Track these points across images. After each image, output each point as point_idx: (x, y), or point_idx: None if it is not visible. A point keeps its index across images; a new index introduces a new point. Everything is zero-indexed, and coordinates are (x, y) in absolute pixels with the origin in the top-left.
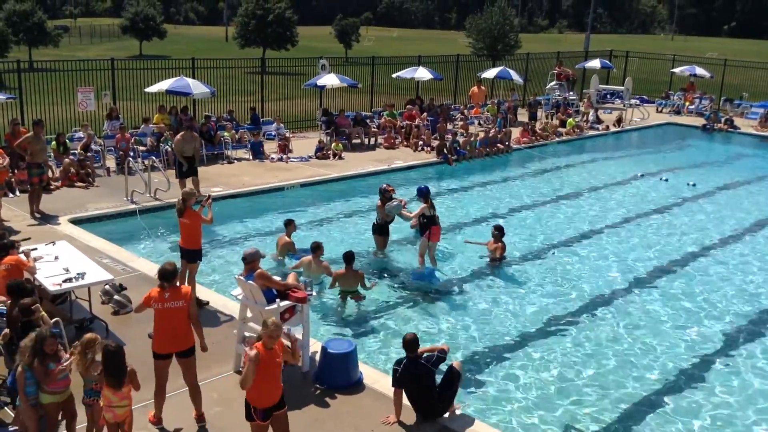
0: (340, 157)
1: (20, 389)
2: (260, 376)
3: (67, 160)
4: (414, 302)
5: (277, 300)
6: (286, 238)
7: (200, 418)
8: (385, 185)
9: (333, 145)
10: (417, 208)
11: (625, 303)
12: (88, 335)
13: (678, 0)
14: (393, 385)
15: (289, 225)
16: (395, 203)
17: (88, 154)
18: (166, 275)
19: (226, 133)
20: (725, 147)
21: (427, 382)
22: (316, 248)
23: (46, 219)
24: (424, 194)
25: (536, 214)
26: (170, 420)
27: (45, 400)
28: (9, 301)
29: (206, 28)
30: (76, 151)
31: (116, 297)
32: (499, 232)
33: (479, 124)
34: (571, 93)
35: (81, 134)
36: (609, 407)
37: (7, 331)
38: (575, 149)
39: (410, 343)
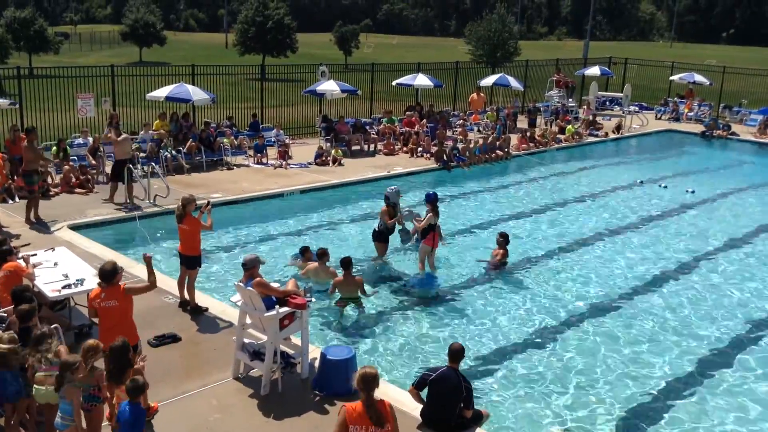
0: (340, 164)
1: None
2: None
3: (67, 167)
4: (414, 308)
5: (277, 306)
6: (310, 264)
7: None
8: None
9: (332, 151)
10: (423, 213)
11: (625, 309)
12: (90, 341)
13: (677, 7)
14: (413, 384)
15: (306, 252)
16: (406, 212)
17: (97, 155)
18: (104, 275)
19: (225, 140)
20: (724, 154)
21: (454, 396)
22: (323, 254)
23: (41, 226)
24: (432, 200)
25: (535, 221)
26: (171, 426)
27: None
28: (12, 307)
29: (206, 35)
30: (75, 157)
31: None
32: (504, 239)
33: (478, 130)
34: (570, 100)
35: (81, 140)
36: (613, 415)
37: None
38: (574, 156)
39: (457, 352)
